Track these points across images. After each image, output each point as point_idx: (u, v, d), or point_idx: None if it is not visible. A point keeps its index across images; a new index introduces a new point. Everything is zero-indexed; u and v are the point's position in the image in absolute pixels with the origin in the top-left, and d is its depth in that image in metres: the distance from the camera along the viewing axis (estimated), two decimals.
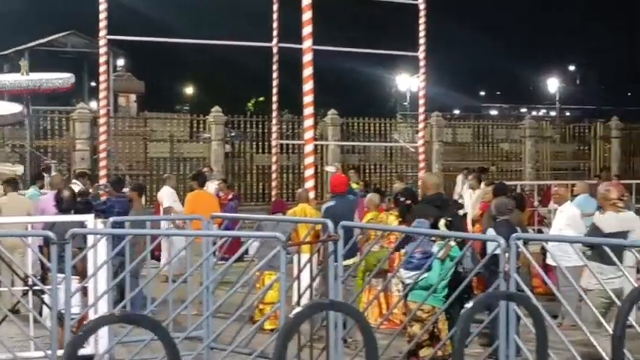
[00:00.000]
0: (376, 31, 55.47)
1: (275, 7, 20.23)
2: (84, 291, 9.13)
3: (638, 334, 7.14)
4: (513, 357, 7.29)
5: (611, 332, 6.23)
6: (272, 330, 9.91)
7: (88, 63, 32.16)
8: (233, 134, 28.52)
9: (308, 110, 13.32)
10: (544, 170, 29.58)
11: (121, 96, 34.18)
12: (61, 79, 17.10)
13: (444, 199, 10.61)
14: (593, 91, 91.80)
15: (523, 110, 77.87)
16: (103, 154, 17.96)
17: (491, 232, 10.25)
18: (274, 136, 22.16)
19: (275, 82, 20.77)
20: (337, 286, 8.46)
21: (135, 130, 26.52)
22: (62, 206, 10.81)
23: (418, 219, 10.38)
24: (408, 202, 12.29)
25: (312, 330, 8.39)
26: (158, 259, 14.73)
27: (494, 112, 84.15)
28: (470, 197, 17.38)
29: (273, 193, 21.26)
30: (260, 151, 26.72)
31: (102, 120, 18.37)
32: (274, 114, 21.85)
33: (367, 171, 27.42)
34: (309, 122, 13.49)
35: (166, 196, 15.84)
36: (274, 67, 20.57)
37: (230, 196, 18.82)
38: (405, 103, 61.76)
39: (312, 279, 8.88)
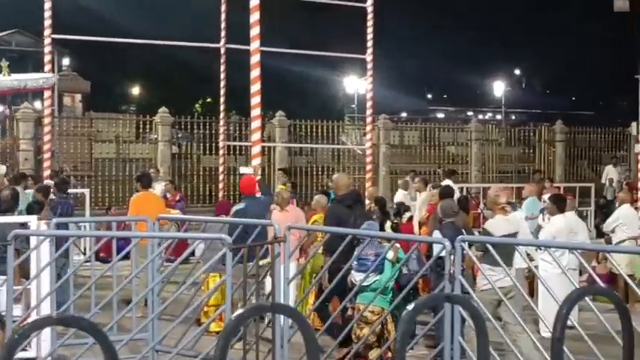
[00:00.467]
0: (325, 34, 55.64)
1: (223, 7, 20.14)
2: (26, 293, 9.00)
3: (580, 335, 7.23)
4: (458, 358, 7.35)
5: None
6: (217, 332, 9.85)
7: (32, 62, 31.71)
8: (180, 135, 28.34)
9: (255, 112, 13.27)
10: (490, 173, 29.87)
11: (67, 96, 33.81)
12: (45, 78, 16.98)
13: (355, 199, 10.65)
14: (539, 95, 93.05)
15: (469, 113, 78.58)
16: (47, 155, 17.71)
17: (437, 234, 10.31)
18: (221, 137, 22.04)
19: (223, 83, 20.66)
20: (285, 287, 8.45)
21: (80, 131, 26.21)
22: (1, 207, 10.64)
23: (368, 221, 10.43)
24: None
25: (257, 332, 8.37)
26: (104, 260, 14.56)
27: (441, 115, 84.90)
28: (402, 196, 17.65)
29: (220, 194, 21.16)
30: (207, 152, 26.59)
31: (46, 120, 18.10)
32: (222, 115, 21.74)
33: (315, 173, 27.44)
34: (256, 124, 13.44)
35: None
36: (222, 67, 20.47)
37: (177, 198, 18.72)
38: (353, 106, 61.93)
39: (259, 281, 8.83)
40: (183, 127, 27.65)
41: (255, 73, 13.01)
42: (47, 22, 17.04)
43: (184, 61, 55.65)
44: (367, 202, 15.07)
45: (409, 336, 4.26)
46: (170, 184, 19.52)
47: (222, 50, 20.24)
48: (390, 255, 9.14)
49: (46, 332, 8.66)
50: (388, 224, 10.12)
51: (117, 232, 9.72)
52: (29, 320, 8.15)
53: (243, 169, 13.95)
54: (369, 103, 19.43)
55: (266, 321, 9.55)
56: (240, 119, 28.72)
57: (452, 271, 7.33)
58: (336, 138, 29.00)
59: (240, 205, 11.53)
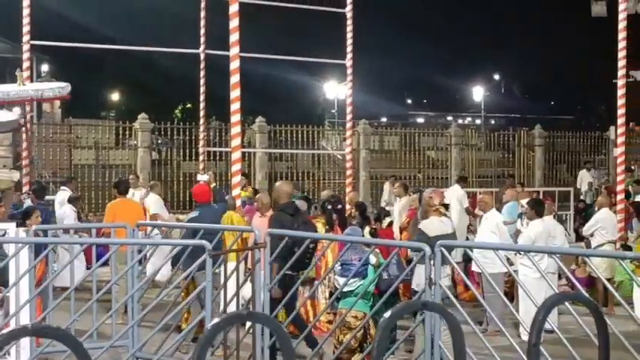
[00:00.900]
0: (306, 39, 55.63)
1: (203, 13, 20.13)
2: (6, 301, 8.95)
3: (559, 339, 7.27)
4: None
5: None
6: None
7: (10, 68, 31.53)
8: (160, 141, 28.26)
9: (235, 117, 13.26)
10: (469, 177, 29.94)
11: (46, 102, 33.60)
12: (60, 87, 17.04)
13: (296, 207, 10.73)
14: (518, 99, 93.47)
15: (449, 118, 78.90)
16: (25, 162, 17.62)
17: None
18: (201, 143, 22.02)
19: (202, 89, 20.64)
20: (265, 293, 8.46)
21: (59, 137, 26.07)
22: None
23: (350, 226, 10.46)
24: (339, 207, 12.37)
25: (237, 338, 8.36)
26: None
27: (420, 120, 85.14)
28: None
29: None
30: (187, 158, 26.51)
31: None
32: (202, 121, 21.72)
33: (295, 178, 27.43)
34: (236, 129, 13.43)
35: (153, 203, 15.67)
36: (202, 73, 20.46)
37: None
38: (333, 111, 62.01)
39: (239, 287, 8.83)
40: (163, 133, 27.58)
41: (234, 79, 13.00)
42: (26, 29, 16.99)
43: (164, 67, 55.54)
44: (348, 207, 15.11)
45: (387, 342, 4.27)
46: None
47: (202, 56, 20.24)
48: (373, 260, 9.17)
49: (25, 340, 8.61)
50: (367, 229, 10.14)
51: (97, 239, 9.68)
52: (8, 329, 8.11)
53: (200, 177, 14.02)
54: (348, 109, 19.46)
55: (247, 327, 9.54)
56: (220, 125, 28.68)
57: (432, 276, 7.36)
58: (317, 143, 29.00)
59: (194, 214, 11.55)
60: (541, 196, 20.76)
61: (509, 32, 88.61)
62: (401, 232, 14.39)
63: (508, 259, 11.41)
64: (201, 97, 20.81)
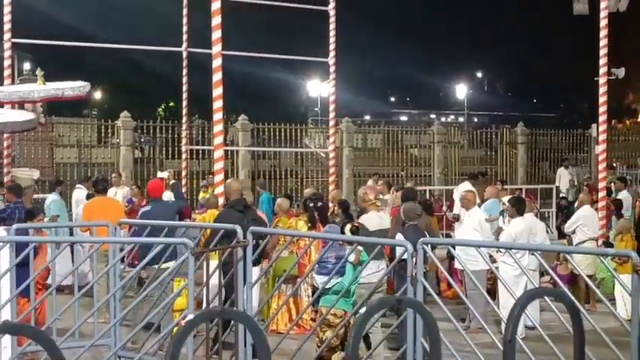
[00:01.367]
0: (289, 37, 55.57)
1: (185, 11, 20.08)
2: None
3: (541, 335, 7.29)
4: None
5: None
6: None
7: None
8: (142, 140, 28.17)
9: (217, 116, 13.24)
10: (452, 175, 30.02)
11: (28, 100, 33.43)
12: (81, 86, 17.11)
13: (246, 204, 11.00)
14: (501, 97, 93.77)
15: (432, 116, 79.02)
16: (7, 160, 17.55)
17: (399, 237, 10.35)
18: (184, 141, 21.98)
19: (185, 87, 20.61)
20: (248, 291, 8.44)
21: (41, 136, 25.93)
22: None
23: (329, 224, 10.45)
24: (320, 204, 12.36)
25: (220, 335, 8.34)
26: None
27: (404, 118, 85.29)
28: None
29: None
30: (170, 156, 26.43)
31: None
32: (184, 119, 21.67)
33: (279, 177, 27.42)
34: (218, 128, 13.41)
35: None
36: (184, 72, 20.42)
37: (144, 202, 18.58)
38: (317, 109, 62.00)
39: (221, 285, 8.81)
40: (145, 131, 27.51)
41: (216, 77, 12.98)
42: (7, 27, 16.92)
43: (147, 66, 55.35)
44: (330, 205, 15.11)
45: (361, 339, 4.28)
46: (137, 188, 19.39)
47: (185, 54, 20.20)
48: (352, 257, 9.16)
49: (7, 338, 8.57)
50: (348, 227, 10.14)
51: (78, 238, 9.64)
52: None
53: (160, 174, 14.25)
54: (331, 107, 19.46)
55: (231, 324, 9.52)
56: (202, 123, 28.64)
57: (414, 274, 7.35)
58: (300, 141, 28.99)
59: (147, 208, 11.76)
60: (523, 194, 20.86)
61: (493, 30, 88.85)
62: None
63: (490, 256, 11.45)
64: (184, 96, 20.77)
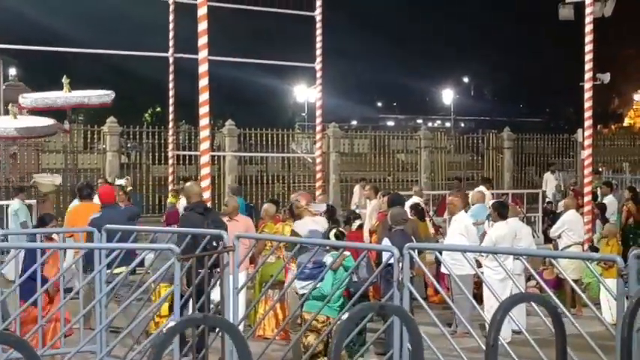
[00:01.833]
0: (276, 43, 55.61)
1: (171, 17, 20.06)
2: None
3: (527, 340, 7.31)
4: None
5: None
6: None
7: None
8: (129, 145, 28.10)
9: (204, 121, 13.23)
10: (439, 180, 30.07)
11: (13, 106, 33.30)
12: (106, 94, 17.25)
13: (206, 207, 11.14)
14: (487, 102, 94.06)
15: (419, 121, 79.20)
16: None
17: (386, 241, 10.36)
18: (171, 147, 21.93)
19: (171, 93, 20.56)
20: (234, 297, 8.43)
21: (27, 141, 25.83)
22: None
23: (310, 229, 10.46)
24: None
25: (206, 342, 8.32)
26: None
27: (391, 123, 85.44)
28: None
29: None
30: (157, 162, 26.36)
31: None
32: (171, 125, 21.64)
33: (266, 182, 27.39)
34: (205, 133, 13.39)
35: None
36: (170, 77, 20.38)
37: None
38: (304, 114, 62.03)
39: (208, 291, 8.79)
40: (132, 136, 27.43)
41: (203, 82, 12.96)
42: None
43: (133, 71, 55.22)
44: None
45: (343, 345, 4.28)
46: (124, 194, 19.34)
47: (171, 60, 20.17)
48: (329, 260, 9.14)
49: None
50: (333, 232, 10.17)
51: (65, 244, 9.61)
52: None
53: (118, 181, 14.42)
54: (318, 112, 19.48)
55: (217, 330, 9.51)
56: (189, 128, 28.57)
57: (400, 279, 7.37)
58: (287, 146, 28.99)
59: (97, 214, 11.84)
60: (510, 199, 20.94)
61: (479, 36, 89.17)
62: (371, 235, 14.43)
63: (477, 260, 11.47)
64: (171, 101, 20.73)
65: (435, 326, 7.62)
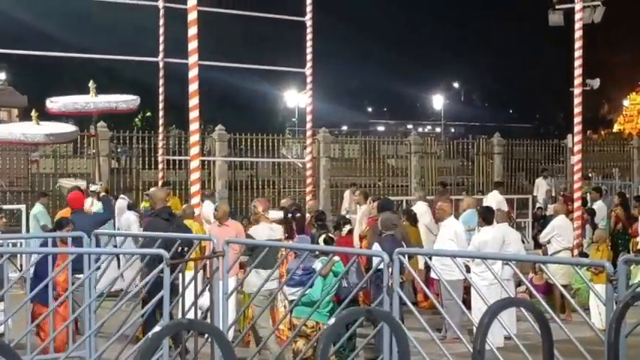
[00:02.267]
0: (266, 48, 55.57)
1: (162, 21, 20.03)
2: None
3: (517, 346, 7.32)
4: None
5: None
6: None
7: None
8: (119, 150, 28.04)
9: (194, 126, 13.23)
10: (429, 185, 30.07)
11: (3, 110, 33.27)
12: (133, 99, 17.42)
13: (170, 212, 11.35)
14: (477, 108, 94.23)
15: (409, 126, 79.28)
16: None
17: (376, 247, 10.37)
18: (161, 151, 21.90)
19: (162, 97, 20.54)
20: (223, 302, 8.41)
21: (17, 146, 25.77)
22: None
23: (299, 235, 10.45)
24: (297, 215, 12.36)
25: (195, 347, 8.31)
26: None
27: (381, 129, 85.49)
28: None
29: None
30: (147, 166, 26.28)
31: None
32: (161, 129, 21.61)
33: (256, 187, 27.36)
34: (194, 138, 13.39)
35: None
36: (161, 82, 20.35)
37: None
38: (294, 119, 62.02)
39: (197, 296, 8.77)
40: (122, 141, 27.36)
41: (193, 87, 12.96)
42: None
43: (123, 76, 55.14)
44: (308, 215, 15.10)
45: (329, 350, 4.28)
46: (114, 199, 19.32)
47: (161, 64, 20.14)
48: (318, 268, 9.14)
49: None
50: (322, 238, 10.17)
51: (53, 249, 9.57)
52: None
53: (92, 187, 14.62)
54: (308, 117, 19.48)
55: (205, 335, 9.48)
56: (179, 133, 28.53)
57: (390, 284, 7.36)
58: (277, 152, 28.96)
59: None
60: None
61: (469, 41, 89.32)
62: (361, 240, 14.42)
63: (466, 266, 11.48)
64: (161, 106, 20.70)
65: (425, 331, 7.62)
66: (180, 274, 8.49)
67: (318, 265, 9.22)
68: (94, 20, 54.17)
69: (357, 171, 30.15)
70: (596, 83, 32.01)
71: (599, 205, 19.10)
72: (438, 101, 77.66)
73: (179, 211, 13.55)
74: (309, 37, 18.76)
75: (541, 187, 27.22)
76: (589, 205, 18.91)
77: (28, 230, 16.85)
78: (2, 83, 35.92)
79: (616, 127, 71.61)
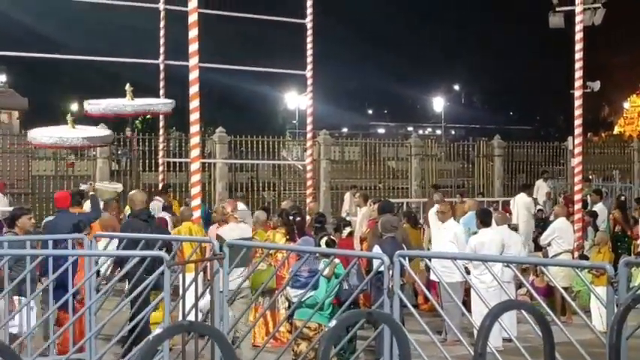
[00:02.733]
0: (267, 50, 55.64)
1: (162, 23, 20.03)
2: None
3: (518, 348, 7.31)
4: None
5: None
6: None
7: None
8: (119, 152, 28.04)
9: (194, 128, 13.22)
10: (429, 188, 30.05)
11: (3, 113, 33.26)
12: (168, 103, 17.60)
13: (149, 214, 11.53)
14: (477, 110, 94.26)
15: (410, 129, 79.26)
16: None
17: (376, 249, 10.35)
18: (161, 154, 21.89)
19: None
20: (224, 304, 8.40)
21: (17, 148, 25.78)
22: None
23: (303, 237, 10.44)
24: (298, 218, 12.36)
25: (196, 350, 8.30)
26: None
27: (381, 131, 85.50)
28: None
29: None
30: (147, 169, 26.27)
31: None
32: (161, 132, 21.60)
33: (256, 189, 27.36)
34: (195, 140, 13.38)
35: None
36: (161, 84, 20.35)
37: (122, 216, 18.56)
38: (294, 122, 62.04)
39: (197, 298, 8.77)
40: (122, 143, 27.37)
41: (193, 89, 12.95)
42: None
43: (124, 78, 55.14)
44: (308, 217, 15.09)
45: (330, 352, 4.27)
46: (115, 202, 19.28)
47: (162, 66, 20.14)
48: (326, 271, 9.15)
49: None
50: (324, 240, 10.16)
51: (53, 251, 9.56)
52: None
53: (82, 186, 14.77)
54: (309, 119, 19.48)
55: (206, 338, 9.47)
56: (180, 136, 28.52)
57: (391, 286, 7.35)
58: (277, 154, 28.95)
59: (50, 218, 12.36)
60: (500, 206, 20.97)
61: (470, 43, 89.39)
62: (361, 243, 14.41)
63: (466, 268, 11.47)
64: None
65: (426, 334, 7.61)
66: (181, 276, 8.49)
67: (322, 266, 9.23)
68: (95, 22, 54.23)
69: (357, 173, 30.13)
70: (596, 85, 31.99)
71: (599, 208, 19.08)
72: (438, 103, 77.65)
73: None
74: (309, 39, 18.75)
75: (541, 189, 27.17)
76: (589, 207, 18.89)
77: None
78: (2, 85, 35.89)
79: (616, 130, 71.56)
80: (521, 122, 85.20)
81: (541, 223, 22.12)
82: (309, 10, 18.63)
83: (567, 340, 6.82)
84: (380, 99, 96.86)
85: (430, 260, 8.90)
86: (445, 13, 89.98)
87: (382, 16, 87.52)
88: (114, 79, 57.74)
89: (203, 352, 8.47)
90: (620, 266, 6.47)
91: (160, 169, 21.60)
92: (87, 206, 14.63)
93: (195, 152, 13.29)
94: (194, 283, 8.50)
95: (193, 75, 12.92)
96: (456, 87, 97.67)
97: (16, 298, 9.08)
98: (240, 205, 15.90)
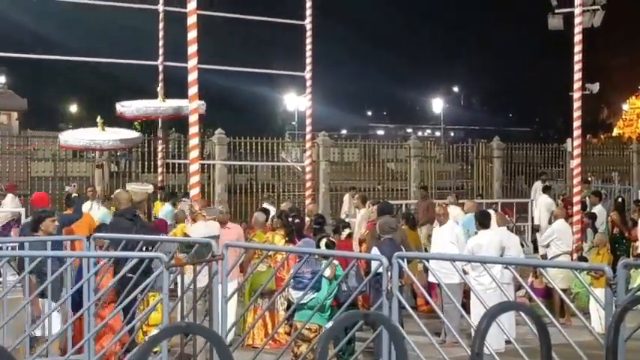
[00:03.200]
0: (266, 51, 55.66)
1: (161, 25, 20.05)
2: None
3: (516, 350, 7.31)
4: None
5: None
6: (155, 352, 9.73)
7: None
8: (119, 153, 28.04)
9: (193, 129, 13.26)
10: (429, 189, 30.04)
11: (2, 114, 33.24)
12: (201, 104, 17.71)
13: (135, 214, 11.53)
14: (476, 112, 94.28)
15: (409, 130, 79.20)
16: None
17: (375, 250, 10.36)
18: (160, 155, 21.89)
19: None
20: (222, 305, 8.39)
21: (16, 149, 25.78)
22: None
23: (304, 239, 10.44)
24: (297, 220, 12.37)
25: (194, 351, 8.29)
26: None
27: (380, 132, 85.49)
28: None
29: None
30: (146, 170, 26.25)
31: None
32: (160, 133, 21.60)
33: (255, 190, 27.34)
34: (194, 141, 13.41)
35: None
36: (160, 85, 20.35)
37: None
38: (294, 123, 61.99)
39: (196, 300, 8.77)
40: None
41: (192, 90, 12.98)
42: None
43: (123, 79, 55.20)
44: (307, 219, 15.09)
45: (327, 354, 4.27)
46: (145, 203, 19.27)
47: (161, 67, 20.15)
48: (327, 272, 9.15)
49: None
50: (324, 241, 10.17)
51: (51, 252, 9.56)
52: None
53: (67, 188, 14.86)
54: (308, 120, 19.50)
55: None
56: (179, 137, 28.51)
57: (389, 288, 7.35)
58: (276, 155, 28.93)
59: (29, 219, 12.26)
60: (499, 208, 20.97)
61: (469, 45, 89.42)
62: (360, 244, 14.41)
63: (463, 270, 11.47)
64: None
65: (424, 335, 7.61)
66: (180, 277, 8.50)
67: (326, 268, 9.24)
68: (94, 24, 54.23)
69: (356, 175, 30.11)
70: (595, 87, 31.98)
71: (598, 210, 19.08)
72: (437, 105, 77.69)
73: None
74: (308, 40, 18.78)
75: (539, 190, 27.20)
76: (588, 209, 18.90)
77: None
78: (2, 86, 35.83)
79: (615, 131, 71.51)
80: (521, 124, 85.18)
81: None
82: (309, 12, 18.66)
83: (566, 342, 6.82)
84: (379, 100, 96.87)
85: (428, 262, 8.90)
86: (445, 14, 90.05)
87: (381, 17, 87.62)
88: (113, 81, 57.92)
89: (197, 354, 8.46)
90: (618, 268, 6.47)
91: (159, 170, 21.59)
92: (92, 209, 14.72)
93: (194, 153, 13.31)
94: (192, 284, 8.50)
95: (192, 76, 12.96)
96: (455, 88, 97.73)
97: (40, 300, 9.11)
98: (266, 205, 16.02)
